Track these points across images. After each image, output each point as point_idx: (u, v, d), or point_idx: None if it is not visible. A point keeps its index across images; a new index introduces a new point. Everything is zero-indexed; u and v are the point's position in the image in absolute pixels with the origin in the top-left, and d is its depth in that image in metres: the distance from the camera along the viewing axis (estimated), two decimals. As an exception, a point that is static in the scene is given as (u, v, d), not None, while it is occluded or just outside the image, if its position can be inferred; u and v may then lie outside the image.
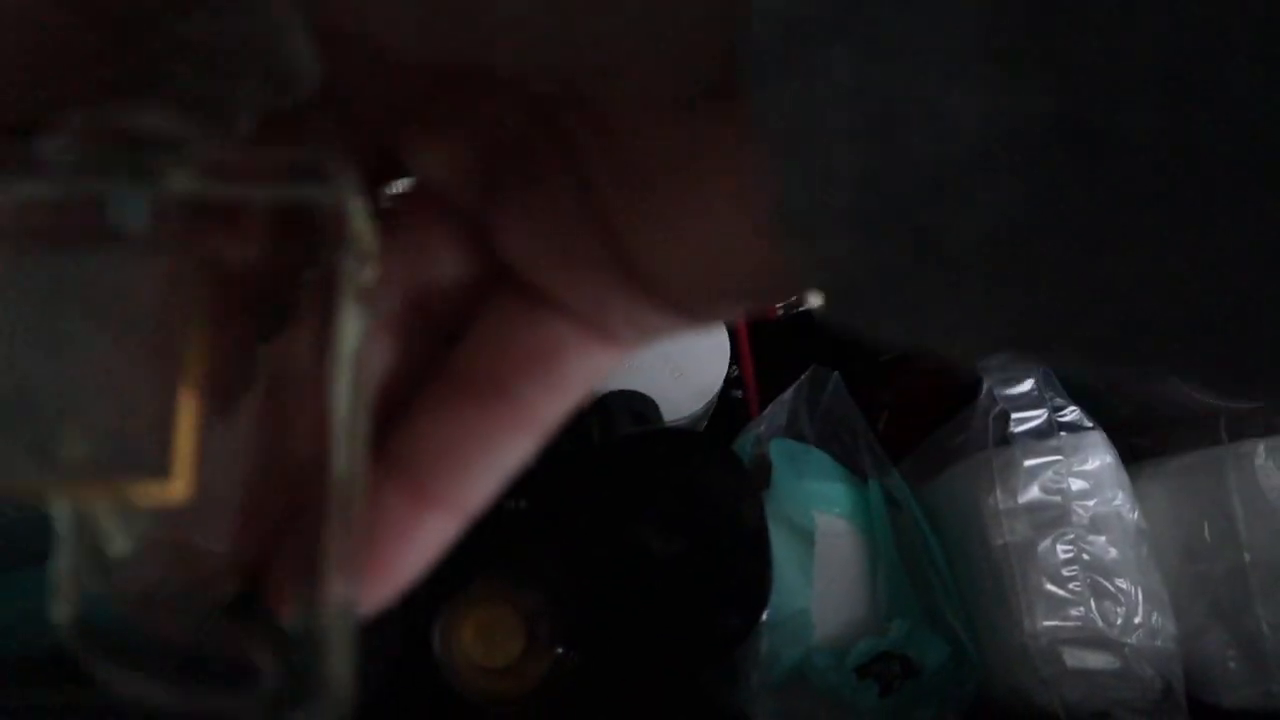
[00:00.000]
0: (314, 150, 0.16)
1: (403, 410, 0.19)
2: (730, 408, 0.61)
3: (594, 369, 0.19)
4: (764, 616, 0.47)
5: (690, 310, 0.18)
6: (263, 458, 0.17)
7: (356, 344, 0.16)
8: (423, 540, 0.18)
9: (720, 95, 0.15)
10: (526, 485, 0.62)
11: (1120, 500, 0.50)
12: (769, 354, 0.66)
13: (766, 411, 0.55)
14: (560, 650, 0.46)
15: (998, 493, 0.49)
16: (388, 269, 0.17)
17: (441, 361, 0.19)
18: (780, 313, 0.69)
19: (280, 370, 0.17)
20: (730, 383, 0.61)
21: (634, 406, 0.52)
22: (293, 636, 0.16)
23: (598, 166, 0.17)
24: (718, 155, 0.16)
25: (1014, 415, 0.50)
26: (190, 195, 0.16)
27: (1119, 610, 0.47)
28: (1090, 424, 0.51)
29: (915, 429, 0.62)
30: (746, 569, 0.44)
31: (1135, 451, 0.54)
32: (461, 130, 0.18)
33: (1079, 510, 0.49)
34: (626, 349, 0.19)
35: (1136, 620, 0.48)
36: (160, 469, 0.15)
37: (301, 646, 0.16)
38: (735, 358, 0.61)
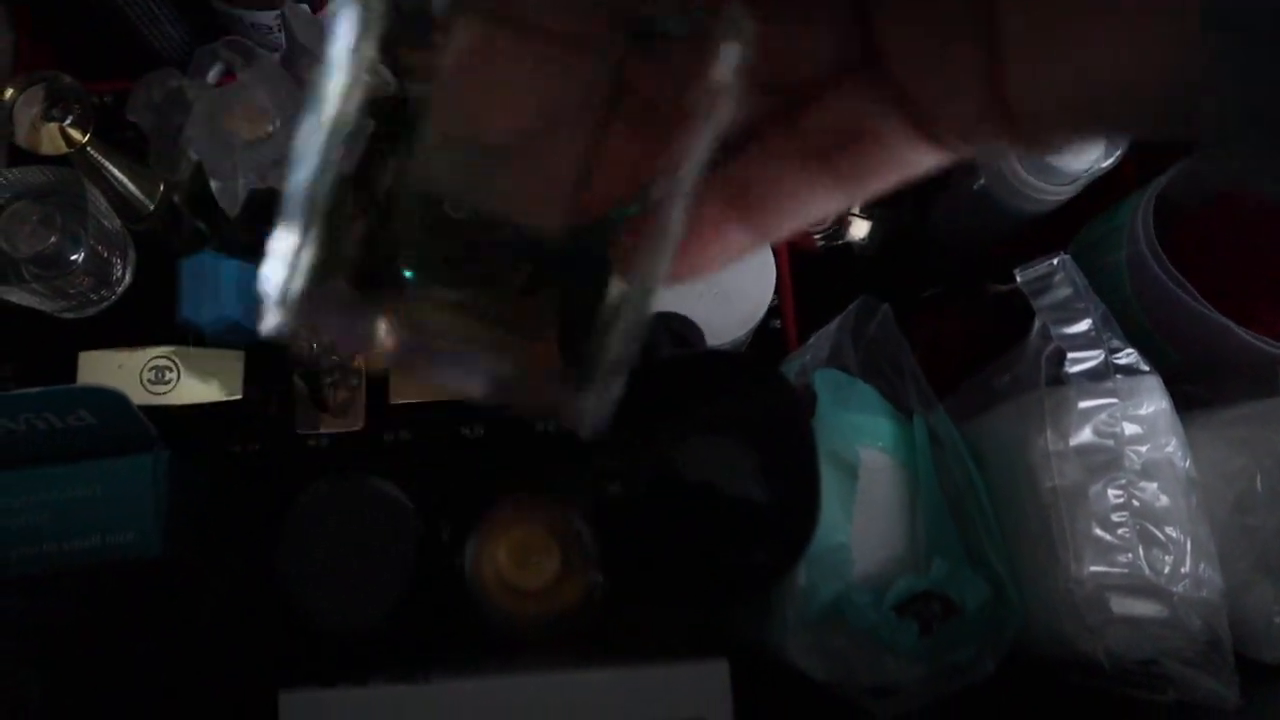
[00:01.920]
0: None
1: (740, 147, 0.22)
2: (768, 338, 0.59)
3: (913, 165, 0.21)
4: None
5: (1044, 141, 0.20)
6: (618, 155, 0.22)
7: (726, 79, 0.20)
8: (725, 244, 0.23)
9: None
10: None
11: (1173, 447, 0.48)
12: (807, 286, 0.64)
13: (811, 341, 0.53)
14: (594, 576, 0.45)
15: (1049, 433, 0.48)
16: (767, 26, 0.20)
17: (784, 117, 0.22)
18: (820, 244, 0.67)
19: (653, 90, 0.21)
20: (769, 312, 0.59)
21: (676, 329, 0.50)
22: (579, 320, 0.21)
23: None
24: None
25: (1070, 354, 0.48)
26: None
27: (1167, 559, 0.46)
28: (1147, 367, 0.49)
29: (944, 370, 0.60)
30: (794, 499, 0.42)
31: (1188, 399, 0.52)
32: None
33: (1131, 456, 0.47)
34: (948, 156, 0.21)
35: (1184, 570, 0.46)
36: None
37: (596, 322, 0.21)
38: (776, 287, 0.59)
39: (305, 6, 0.56)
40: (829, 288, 0.68)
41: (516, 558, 0.44)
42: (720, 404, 0.45)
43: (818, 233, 0.67)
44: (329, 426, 0.61)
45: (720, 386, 0.44)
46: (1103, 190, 0.59)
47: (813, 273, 0.66)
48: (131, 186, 0.61)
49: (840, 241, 0.67)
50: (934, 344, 0.67)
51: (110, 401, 0.51)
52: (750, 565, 0.43)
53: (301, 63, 0.51)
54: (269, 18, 0.58)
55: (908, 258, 0.69)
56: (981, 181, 0.58)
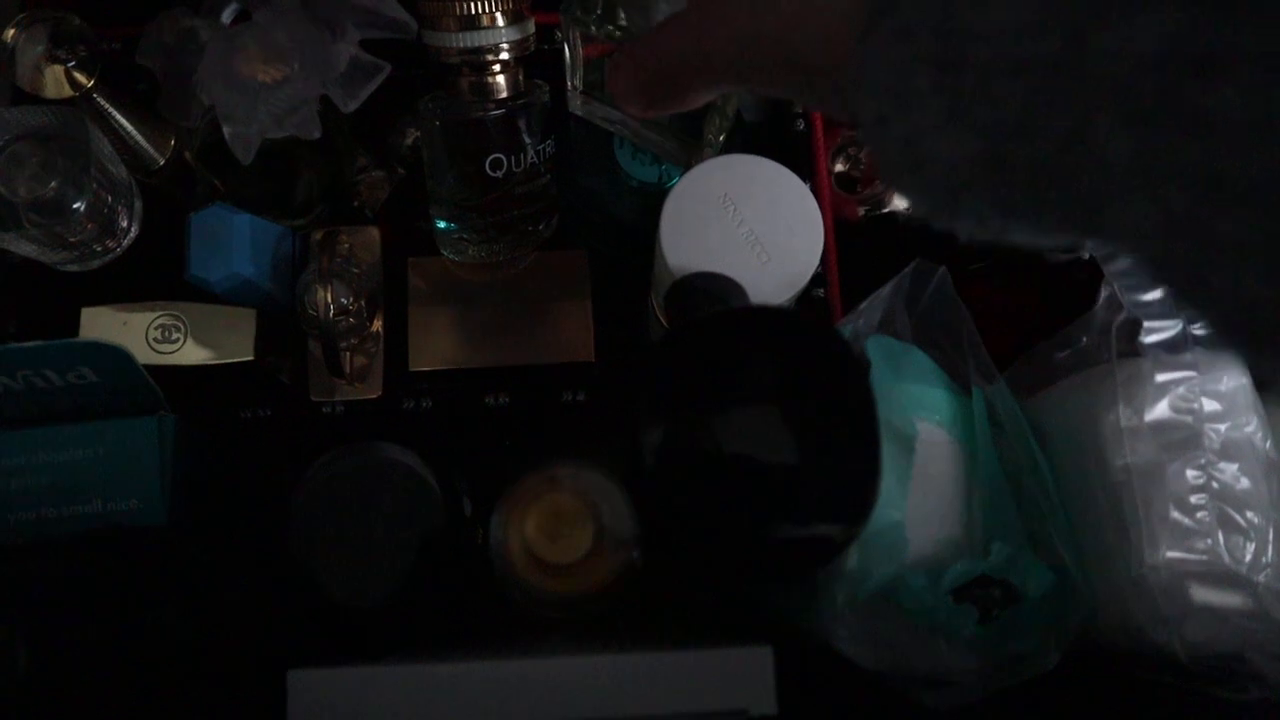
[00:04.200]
0: None
1: None
2: (812, 306, 0.56)
3: None
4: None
5: None
6: None
7: None
8: None
9: None
10: (584, 378, 0.58)
11: (1254, 427, 0.45)
12: (850, 257, 0.60)
13: (862, 306, 0.50)
14: (632, 553, 0.41)
15: (1120, 408, 0.44)
16: None
17: None
18: (863, 214, 0.64)
19: None
20: (814, 280, 0.56)
21: (717, 289, 0.46)
22: None
23: None
24: None
25: (1146, 324, 0.45)
26: None
27: (1249, 546, 0.43)
28: (1227, 340, 0.46)
29: (997, 343, 0.57)
30: (851, 471, 0.38)
31: (1262, 381, 0.48)
32: None
33: (1211, 434, 0.44)
34: None
35: (1265, 559, 0.43)
36: None
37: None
38: (822, 254, 0.56)
39: (327, -57, 0.53)
40: (872, 259, 0.64)
41: (547, 530, 0.40)
42: (770, 365, 0.41)
43: (861, 202, 0.64)
44: (346, 394, 0.58)
45: (770, 346, 0.41)
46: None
47: (855, 243, 0.62)
48: (140, 139, 0.58)
49: (884, 210, 0.64)
50: (983, 319, 0.63)
51: (113, 358, 0.48)
52: (802, 541, 0.39)
53: (320, 2, 0.48)
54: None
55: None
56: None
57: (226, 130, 0.49)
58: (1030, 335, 0.57)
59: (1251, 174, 0.16)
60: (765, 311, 0.42)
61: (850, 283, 0.60)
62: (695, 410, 0.40)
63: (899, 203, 0.64)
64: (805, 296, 0.55)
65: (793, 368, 0.40)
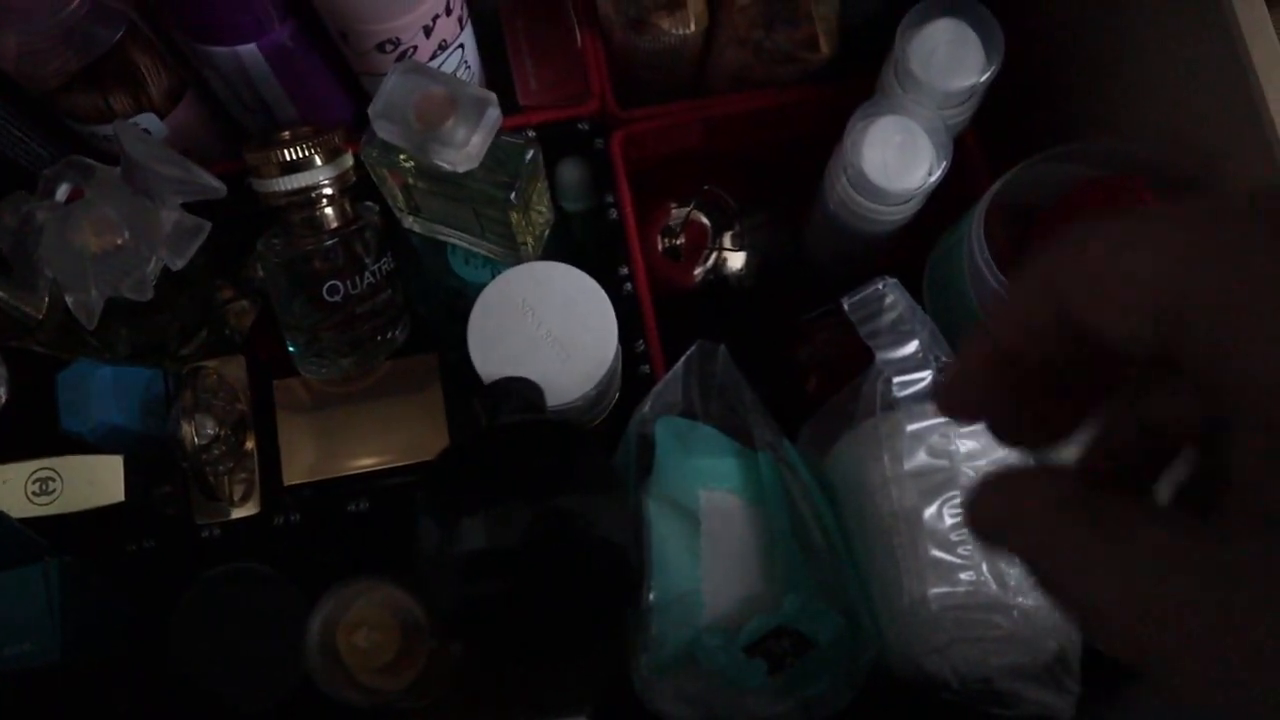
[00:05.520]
0: None
1: None
2: (639, 384, 0.60)
3: None
4: (650, 600, 0.47)
5: None
6: None
7: None
8: None
9: None
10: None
11: (1013, 459, 0.48)
12: (682, 324, 0.65)
13: (657, 388, 0.54)
14: (434, 644, 0.46)
15: (885, 459, 0.48)
16: None
17: None
18: (698, 279, 0.68)
19: None
20: (639, 358, 0.60)
21: (520, 392, 0.51)
22: None
23: None
24: None
25: (897, 379, 0.49)
26: None
27: (1012, 570, 0.46)
28: (980, 383, 0.50)
29: (832, 386, 0.61)
30: (616, 557, 0.43)
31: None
32: None
33: (968, 472, 0.48)
34: None
35: (1030, 581, 0.46)
36: None
37: None
38: (642, 333, 0.60)
39: (145, 117, 0.58)
40: (712, 324, 0.69)
41: (358, 639, 0.45)
42: (552, 468, 0.46)
43: (694, 268, 0.68)
44: (234, 512, 0.63)
45: (538, 453, 0.45)
46: (958, 202, 0.59)
47: (687, 310, 0.66)
48: (13, 301, 0.63)
49: (718, 275, 0.68)
50: (826, 365, 0.67)
51: (-9, 520, 0.53)
52: (582, 618, 0.44)
53: (138, 175, 0.53)
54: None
55: (787, 284, 0.70)
56: (830, 205, 0.58)
57: (69, 299, 0.54)
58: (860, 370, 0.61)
59: None
60: (533, 423, 0.46)
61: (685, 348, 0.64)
62: (464, 511, 0.45)
63: (732, 265, 0.69)
64: (633, 375, 0.60)
65: (553, 471, 0.44)
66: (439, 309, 0.65)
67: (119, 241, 0.54)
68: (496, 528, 0.43)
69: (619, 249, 0.62)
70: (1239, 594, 0.17)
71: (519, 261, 0.59)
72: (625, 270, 0.62)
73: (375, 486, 0.62)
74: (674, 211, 0.67)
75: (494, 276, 0.63)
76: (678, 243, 0.67)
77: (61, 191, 0.56)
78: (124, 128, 0.53)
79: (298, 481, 0.62)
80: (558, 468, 0.44)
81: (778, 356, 0.68)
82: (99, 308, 0.54)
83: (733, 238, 0.67)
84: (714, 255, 0.66)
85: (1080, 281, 0.20)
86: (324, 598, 0.45)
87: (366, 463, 0.62)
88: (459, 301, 0.65)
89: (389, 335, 0.63)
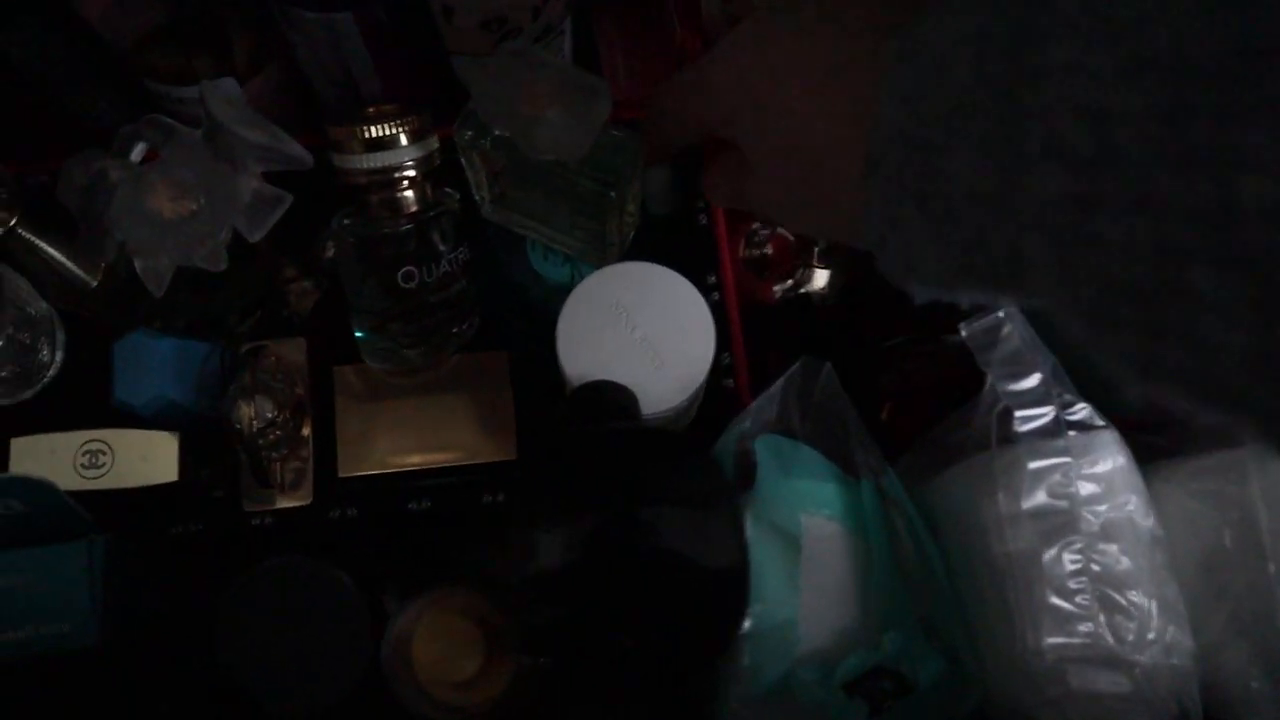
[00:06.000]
0: None
1: None
2: (722, 398, 0.57)
3: None
4: (744, 628, 0.44)
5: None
6: None
7: None
8: None
9: None
10: (505, 479, 0.59)
11: (1134, 505, 0.46)
12: (765, 340, 0.62)
13: (753, 405, 0.51)
14: (524, 660, 0.43)
15: (1000, 497, 0.46)
16: None
17: None
18: (778, 296, 0.66)
19: None
20: (724, 371, 0.58)
21: (612, 399, 0.48)
22: None
23: None
24: None
25: (1018, 413, 0.46)
26: None
27: (1130, 625, 0.44)
28: (1102, 422, 0.47)
29: (915, 422, 0.58)
30: (721, 580, 0.40)
31: (1151, 451, 0.50)
32: None
33: (1089, 517, 0.45)
34: None
35: (1150, 636, 0.44)
36: None
37: None
38: (728, 344, 0.58)
39: (225, 81, 0.55)
40: (788, 341, 0.66)
41: (438, 650, 0.42)
42: (651, 480, 0.43)
43: (776, 284, 0.65)
44: (282, 501, 0.60)
45: (651, 462, 0.42)
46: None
47: (769, 326, 0.64)
48: (70, 265, 0.60)
49: (799, 292, 0.65)
50: (903, 395, 0.65)
51: (39, 490, 0.50)
52: (680, 644, 0.41)
53: (221, 139, 0.50)
54: (195, 92, 0.57)
55: (871, 306, 0.67)
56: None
57: (138, 264, 0.51)
58: (947, 403, 0.59)
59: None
60: (641, 432, 0.44)
61: (767, 367, 0.62)
62: (580, 520, 0.42)
63: (815, 283, 0.66)
64: (716, 387, 0.57)
65: (671, 485, 0.41)
66: (512, 305, 0.63)
67: (194, 208, 0.51)
68: (600, 540, 0.41)
69: (707, 257, 0.60)
70: None
71: (602, 262, 0.56)
72: (713, 279, 0.59)
73: (434, 485, 0.59)
74: (756, 224, 0.65)
75: (574, 274, 0.60)
76: (765, 253, 0.64)
77: (137, 151, 0.53)
78: (211, 87, 0.50)
79: (354, 473, 0.59)
80: (668, 479, 0.41)
81: (854, 381, 0.66)
82: (169, 276, 0.52)
83: (819, 254, 0.65)
84: (802, 271, 0.64)
85: None
86: (399, 604, 0.42)
87: (427, 460, 0.59)
88: (533, 298, 0.62)
89: (460, 328, 0.60)
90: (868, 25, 0.32)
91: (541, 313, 0.63)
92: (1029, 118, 0.23)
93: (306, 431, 0.61)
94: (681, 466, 0.43)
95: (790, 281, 0.65)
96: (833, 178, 0.34)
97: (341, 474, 0.60)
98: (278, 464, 0.59)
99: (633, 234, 0.59)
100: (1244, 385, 0.21)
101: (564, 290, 0.60)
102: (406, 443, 0.60)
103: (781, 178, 0.38)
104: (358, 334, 0.59)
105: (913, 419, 0.60)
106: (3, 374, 0.51)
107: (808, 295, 0.66)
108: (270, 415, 0.57)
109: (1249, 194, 0.19)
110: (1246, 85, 0.20)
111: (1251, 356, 0.20)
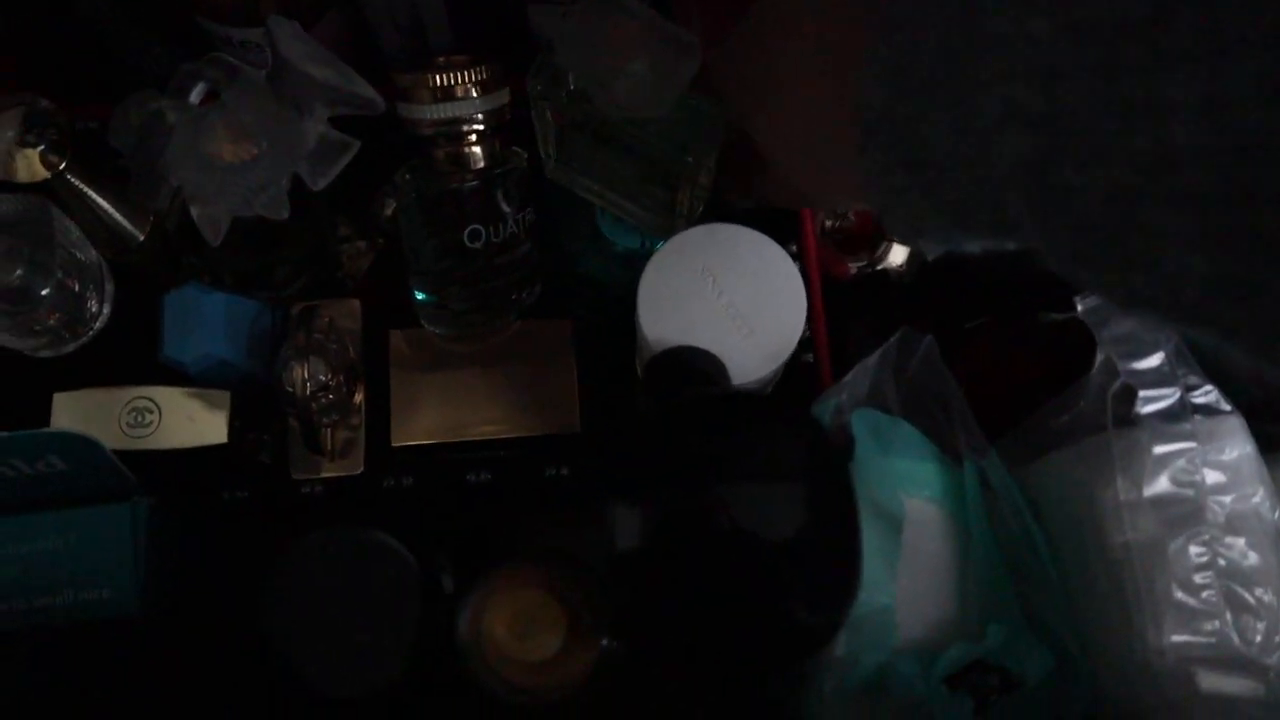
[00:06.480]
0: None
1: None
2: (800, 372, 0.54)
3: None
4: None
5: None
6: None
7: None
8: None
9: None
10: (568, 451, 0.56)
11: (1260, 497, 0.43)
12: (841, 317, 0.59)
13: (848, 377, 0.48)
14: (606, 642, 0.40)
15: (1118, 482, 0.42)
16: None
17: None
18: (855, 272, 0.62)
19: None
20: (801, 345, 0.54)
21: (698, 366, 0.45)
22: None
23: None
24: None
25: (1142, 393, 0.43)
26: None
27: (1259, 626, 0.41)
28: (1229, 407, 0.44)
29: (991, 409, 0.55)
30: (829, 559, 0.37)
31: (1271, 441, 0.46)
32: None
33: (1214, 507, 0.42)
34: None
35: (1278, 639, 0.41)
36: None
37: None
38: (808, 318, 0.55)
39: (293, 21, 0.52)
40: (865, 319, 0.63)
41: (516, 628, 0.39)
42: (746, 450, 0.40)
43: (853, 260, 0.62)
44: (328, 470, 0.57)
45: (745, 430, 0.39)
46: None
47: (847, 303, 0.61)
48: (118, 216, 0.57)
49: (877, 268, 0.62)
50: (980, 380, 0.61)
51: (82, 447, 0.47)
52: (785, 630, 0.38)
53: (287, 80, 0.47)
54: (257, 34, 0.54)
55: (949, 285, 0.64)
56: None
57: (194, 211, 0.48)
58: (1031, 389, 0.55)
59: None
60: (743, 397, 0.40)
61: (844, 344, 0.59)
62: (675, 494, 0.39)
63: (893, 259, 0.63)
64: (794, 362, 0.54)
65: (770, 454, 0.38)
66: (576, 271, 0.59)
67: (255, 152, 0.48)
68: (688, 517, 0.37)
69: (788, 225, 0.56)
70: None
71: (668, 234, 0.53)
72: (794, 248, 0.56)
73: (492, 458, 0.56)
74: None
75: (644, 242, 0.57)
76: (846, 225, 0.61)
77: (196, 92, 0.50)
78: (279, 22, 0.47)
79: (408, 443, 0.56)
80: (765, 448, 0.38)
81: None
82: (226, 224, 0.49)
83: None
84: (883, 245, 0.61)
85: None
86: (472, 578, 0.39)
87: (486, 430, 0.56)
88: (600, 265, 0.59)
89: (523, 294, 0.57)
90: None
91: (608, 280, 0.60)
92: (987, 84, 0.25)
93: (359, 398, 0.58)
94: (780, 433, 0.40)
95: (867, 258, 0.62)
96: (836, 153, 0.36)
97: (395, 443, 0.57)
98: (328, 430, 0.56)
99: (701, 208, 0.56)
100: (1208, 306, 0.23)
101: (633, 257, 0.57)
102: (463, 412, 0.57)
103: (791, 161, 0.41)
104: (417, 295, 0.56)
105: (988, 408, 0.57)
106: (50, 322, 0.48)
107: (885, 272, 0.62)
108: (324, 378, 0.54)
109: (1180, 139, 0.21)
110: (1164, 39, 0.21)
111: (1210, 280, 0.23)
